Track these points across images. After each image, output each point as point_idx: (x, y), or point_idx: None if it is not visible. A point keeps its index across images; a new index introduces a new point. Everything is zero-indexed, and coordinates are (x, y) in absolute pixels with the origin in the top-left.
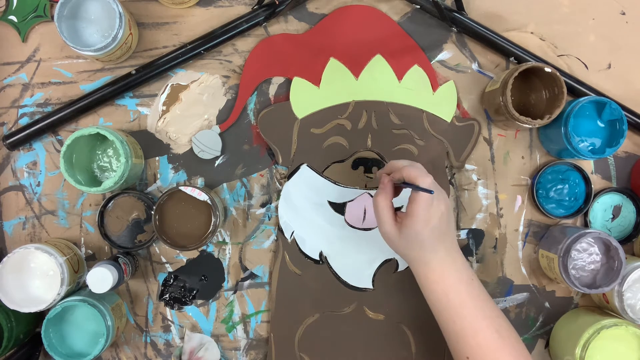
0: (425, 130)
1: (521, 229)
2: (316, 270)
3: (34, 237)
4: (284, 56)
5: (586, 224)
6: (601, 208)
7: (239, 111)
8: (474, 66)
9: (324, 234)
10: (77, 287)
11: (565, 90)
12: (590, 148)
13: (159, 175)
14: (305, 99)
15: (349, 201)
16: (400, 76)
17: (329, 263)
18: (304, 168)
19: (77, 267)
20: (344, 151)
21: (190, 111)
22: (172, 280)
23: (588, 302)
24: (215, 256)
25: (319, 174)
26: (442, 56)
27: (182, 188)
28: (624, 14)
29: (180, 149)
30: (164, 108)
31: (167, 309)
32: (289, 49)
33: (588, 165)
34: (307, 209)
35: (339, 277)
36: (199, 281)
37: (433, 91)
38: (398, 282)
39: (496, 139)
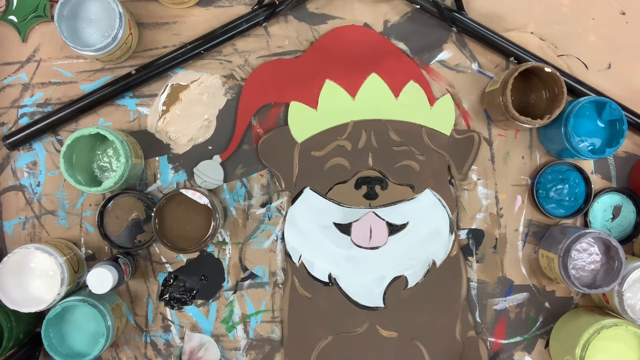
0: (426, 145)
1: (521, 229)
2: (326, 293)
3: (34, 237)
4: (279, 81)
5: (586, 224)
6: (601, 208)
7: (239, 140)
8: (474, 66)
9: (331, 256)
10: (77, 287)
11: (565, 90)
12: (590, 148)
13: (159, 175)
14: (304, 122)
15: (354, 221)
16: (396, 93)
17: (338, 284)
18: (308, 191)
19: (77, 267)
20: (346, 172)
21: (190, 111)
22: (172, 280)
23: (588, 302)
24: (215, 256)
25: (323, 196)
26: (442, 56)
27: (183, 191)
28: (624, 14)
29: (180, 149)
30: (164, 108)
31: (167, 309)
32: (284, 74)
33: (588, 165)
34: (313, 232)
35: (350, 297)
36: (199, 281)
37: (430, 105)
38: (409, 298)
39: (496, 139)
